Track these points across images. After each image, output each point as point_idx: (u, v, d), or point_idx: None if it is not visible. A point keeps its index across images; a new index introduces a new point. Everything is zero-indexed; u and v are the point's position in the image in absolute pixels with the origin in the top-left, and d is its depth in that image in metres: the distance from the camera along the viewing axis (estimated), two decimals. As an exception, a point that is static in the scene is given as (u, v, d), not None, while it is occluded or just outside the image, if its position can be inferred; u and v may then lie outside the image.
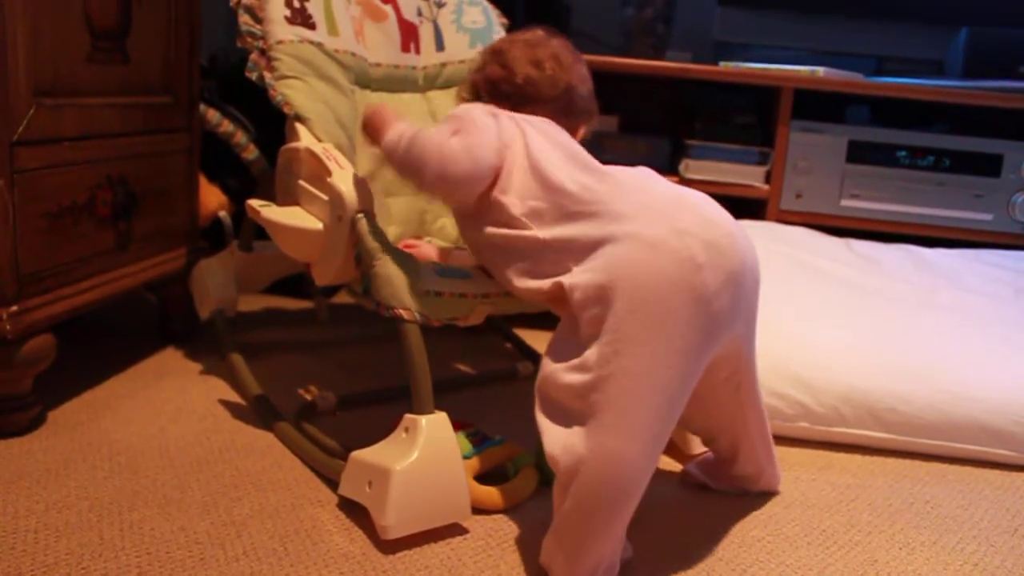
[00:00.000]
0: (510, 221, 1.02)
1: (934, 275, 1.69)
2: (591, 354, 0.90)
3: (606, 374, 0.89)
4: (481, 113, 1.10)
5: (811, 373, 1.33)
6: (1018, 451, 1.29)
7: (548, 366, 0.94)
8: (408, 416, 1.01)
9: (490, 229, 1.05)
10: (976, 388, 1.31)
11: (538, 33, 1.22)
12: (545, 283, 0.98)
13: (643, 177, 1.02)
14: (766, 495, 1.17)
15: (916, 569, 1.01)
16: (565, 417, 0.92)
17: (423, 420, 1.00)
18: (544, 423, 0.94)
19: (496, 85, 1.18)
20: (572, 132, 1.17)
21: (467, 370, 1.60)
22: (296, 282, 1.81)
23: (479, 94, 1.21)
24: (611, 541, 0.91)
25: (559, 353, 0.94)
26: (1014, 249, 1.84)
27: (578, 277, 0.93)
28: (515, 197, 1.03)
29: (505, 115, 1.11)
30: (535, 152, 1.05)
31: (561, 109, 1.18)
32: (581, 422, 0.90)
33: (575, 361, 0.91)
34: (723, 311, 0.92)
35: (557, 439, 0.91)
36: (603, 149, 2.00)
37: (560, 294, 0.95)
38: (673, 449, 1.25)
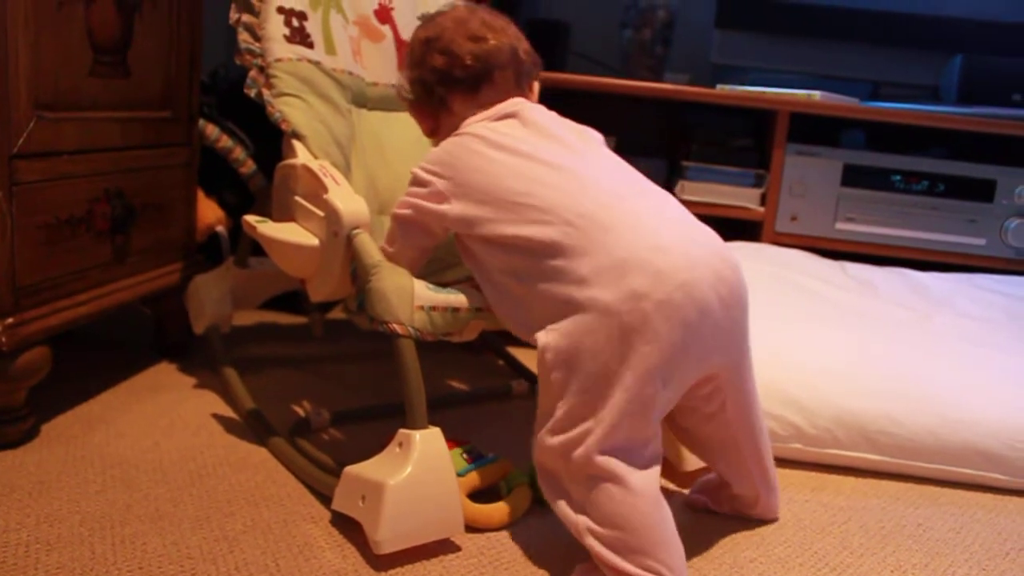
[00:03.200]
0: (498, 269, 1.05)
1: (928, 299, 1.69)
2: (561, 414, 0.95)
3: (579, 433, 0.93)
4: (414, 204, 1.10)
5: (805, 395, 1.33)
6: (1011, 475, 1.29)
7: (534, 437, 0.98)
8: (402, 431, 1.01)
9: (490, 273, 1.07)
10: (969, 412, 1.31)
11: (457, 8, 1.22)
12: (530, 335, 1.01)
13: (603, 210, 0.98)
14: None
15: (908, 592, 1.01)
16: (559, 488, 0.97)
17: (417, 435, 1.00)
18: (550, 502, 0.99)
19: (447, 74, 1.16)
20: (527, 92, 1.20)
21: (461, 388, 1.60)
22: (291, 298, 1.81)
23: (429, 89, 1.18)
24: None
25: (540, 421, 0.98)
26: (1007, 274, 1.85)
27: (548, 337, 0.96)
28: (491, 253, 1.05)
29: (448, 171, 1.09)
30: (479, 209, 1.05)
31: (513, 75, 1.19)
32: (570, 488, 0.95)
33: (550, 424, 0.96)
34: (686, 357, 0.94)
35: (564, 514, 0.96)
36: (600, 169, 2.01)
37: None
38: (667, 467, 1.25)
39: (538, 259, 0.98)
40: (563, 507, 0.96)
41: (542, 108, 1.17)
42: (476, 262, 1.08)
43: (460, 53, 1.16)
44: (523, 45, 1.21)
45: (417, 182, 1.11)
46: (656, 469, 0.96)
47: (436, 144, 1.17)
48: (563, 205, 0.99)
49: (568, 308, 0.95)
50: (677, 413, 1.08)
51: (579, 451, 0.93)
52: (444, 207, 1.07)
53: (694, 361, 0.96)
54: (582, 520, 0.94)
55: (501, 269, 1.04)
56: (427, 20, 1.24)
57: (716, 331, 0.96)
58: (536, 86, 1.24)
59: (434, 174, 1.09)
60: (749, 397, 1.07)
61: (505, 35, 1.19)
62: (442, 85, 1.18)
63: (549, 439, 0.95)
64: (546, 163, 1.05)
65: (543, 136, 1.09)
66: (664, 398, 0.95)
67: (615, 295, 0.92)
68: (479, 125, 1.12)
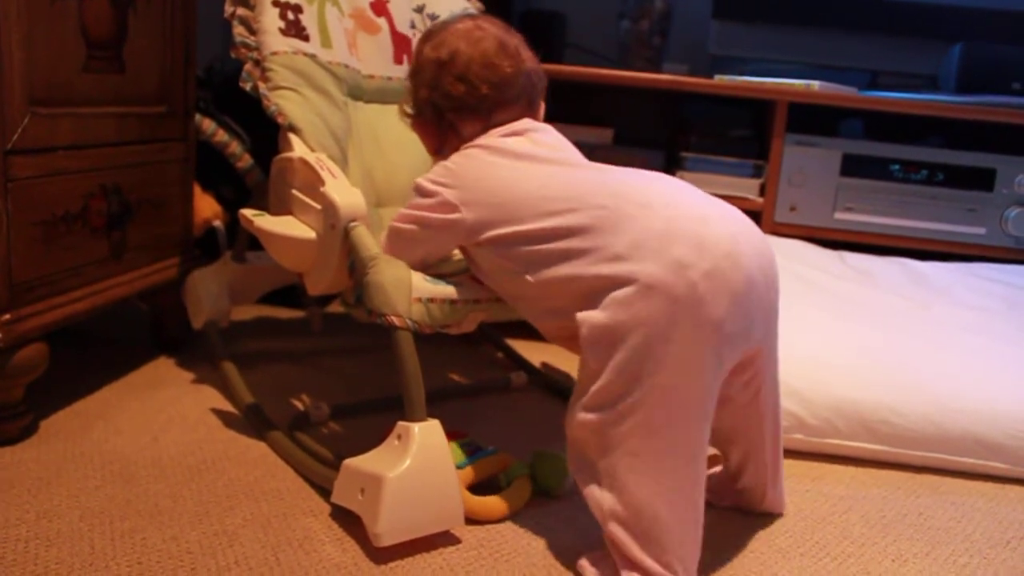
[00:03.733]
0: (508, 271, 1.04)
1: (927, 288, 1.69)
2: (597, 390, 0.92)
3: (617, 410, 0.91)
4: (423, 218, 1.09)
5: (805, 385, 1.33)
6: (1011, 463, 1.29)
7: (568, 411, 0.96)
8: (401, 423, 1.01)
9: (498, 274, 1.06)
10: (969, 401, 1.31)
11: (466, 23, 1.19)
12: (560, 321, 0.99)
13: (635, 191, 0.98)
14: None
15: (909, 581, 1.01)
16: (588, 465, 0.95)
17: (416, 427, 0.99)
18: (576, 479, 0.97)
19: (462, 101, 1.14)
20: (535, 112, 1.19)
21: (460, 380, 1.60)
22: (289, 292, 1.80)
23: (440, 113, 1.16)
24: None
25: (576, 397, 0.96)
26: (1007, 263, 1.84)
27: (587, 315, 0.93)
28: (502, 254, 1.03)
29: (452, 180, 1.08)
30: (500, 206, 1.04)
31: (526, 100, 1.18)
32: (599, 466, 0.93)
33: (585, 399, 0.94)
34: (734, 331, 0.91)
35: (590, 493, 0.94)
36: (597, 161, 2.01)
37: (574, 328, 0.95)
38: None
39: (564, 245, 0.96)
40: (589, 486, 0.94)
41: (550, 128, 1.16)
42: (488, 270, 1.07)
43: (477, 82, 1.14)
44: (534, 66, 1.19)
45: (422, 193, 1.09)
46: (700, 464, 0.93)
47: (437, 162, 1.16)
48: (589, 191, 0.98)
49: (604, 285, 0.92)
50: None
51: (616, 430, 0.91)
52: (455, 216, 1.05)
53: (742, 333, 0.93)
54: (607, 502, 0.92)
55: (515, 270, 1.02)
56: (435, 35, 1.19)
57: (760, 304, 0.94)
58: (543, 104, 1.23)
59: (441, 184, 1.08)
60: (775, 382, 1.06)
61: (520, 59, 1.17)
62: (455, 112, 1.15)
63: (583, 414, 0.93)
64: (560, 163, 1.05)
65: (552, 149, 1.09)
66: (714, 374, 0.92)
67: (658, 267, 0.89)
68: (485, 139, 1.12)
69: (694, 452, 0.92)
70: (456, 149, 1.13)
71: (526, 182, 1.03)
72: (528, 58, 1.19)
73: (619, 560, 0.92)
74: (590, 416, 0.93)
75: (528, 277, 1.00)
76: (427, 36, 1.21)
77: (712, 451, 1.17)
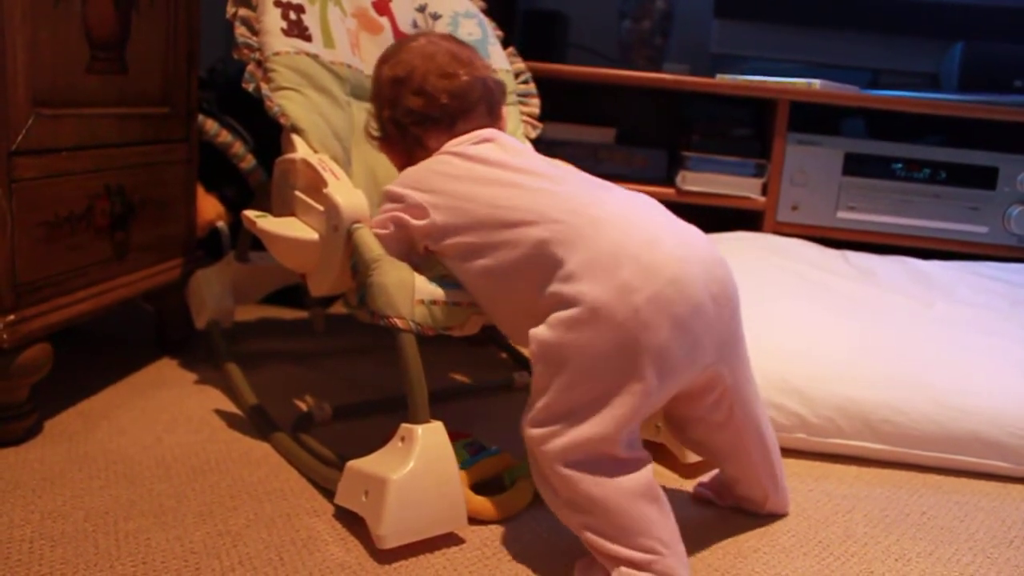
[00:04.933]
0: (472, 278, 1.05)
1: (930, 287, 1.69)
2: (541, 406, 0.94)
3: (560, 427, 0.92)
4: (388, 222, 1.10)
5: (807, 385, 1.33)
6: (1014, 463, 1.29)
7: (521, 421, 0.97)
8: (404, 425, 1.01)
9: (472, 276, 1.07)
10: (972, 400, 1.31)
11: (418, 40, 1.22)
12: (522, 330, 0.99)
13: (591, 207, 0.97)
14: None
15: (912, 580, 1.01)
16: (543, 477, 0.95)
17: (419, 429, 1.00)
18: (539, 490, 0.98)
19: (423, 115, 1.17)
20: (498, 121, 1.22)
21: (463, 381, 1.60)
22: (293, 293, 1.81)
23: (404, 129, 1.19)
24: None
25: (526, 410, 0.97)
26: (1009, 261, 1.85)
27: (538, 330, 0.94)
28: (464, 262, 1.04)
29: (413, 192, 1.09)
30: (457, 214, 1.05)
31: (486, 108, 1.20)
32: (555, 481, 0.93)
33: (531, 414, 0.95)
34: (678, 355, 0.91)
35: (552, 503, 0.96)
36: (599, 161, 2.01)
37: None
38: (670, 459, 1.25)
39: (525, 258, 0.97)
40: (549, 496, 0.96)
41: (515, 139, 1.19)
42: (458, 273, 1.08)
43: (435, 93, 1.17)
44: (490, 74, 1.23)
45: (391, 198, 1.11)
46: (641, 465, 0.93)
47: None
48: (548, 205, 0.98)
49: (553, 303, 0.93)
50: (687, 425, 1.07)
51: (555, 444, 0.92)
52: (424, 222, 1.07)
53: (686, 359, 0.93)
54: (573, 512, 0.93)
55: (482, 275, 1.03)
56: (390, 55, 1.23)
57: (708, 330, 0.93)
58: (506, 112, 1.25)
59: (410, 187, 1.10)
60: (752, 400, 1.05)
61: (474, 68, 1.20)
62: (418, 126, 1.18)
63: (530, 429, 0.95)
64: (527, 171, 1.05)
65: (520, 156, 1.11)
66: (655, 396, 0.93)
67: (604, 289, 0.89)
68: (453, 146, 1.13)
69: (637, 454, 0.93)
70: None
71: (490, 190, 1.04)
72: (482, 66, 1.22)
73: (604, 561, 0.92)
74: (537, 431, 0.94)
75: (496, 287, 1.02)
76: (384, 58, 1.24)
77: (696, 458, 1.18)
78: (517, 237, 0.98)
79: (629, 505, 0.91)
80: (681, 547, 0.93)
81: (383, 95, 1.21)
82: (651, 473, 0.94)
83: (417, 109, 1.17)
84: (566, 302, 0.91)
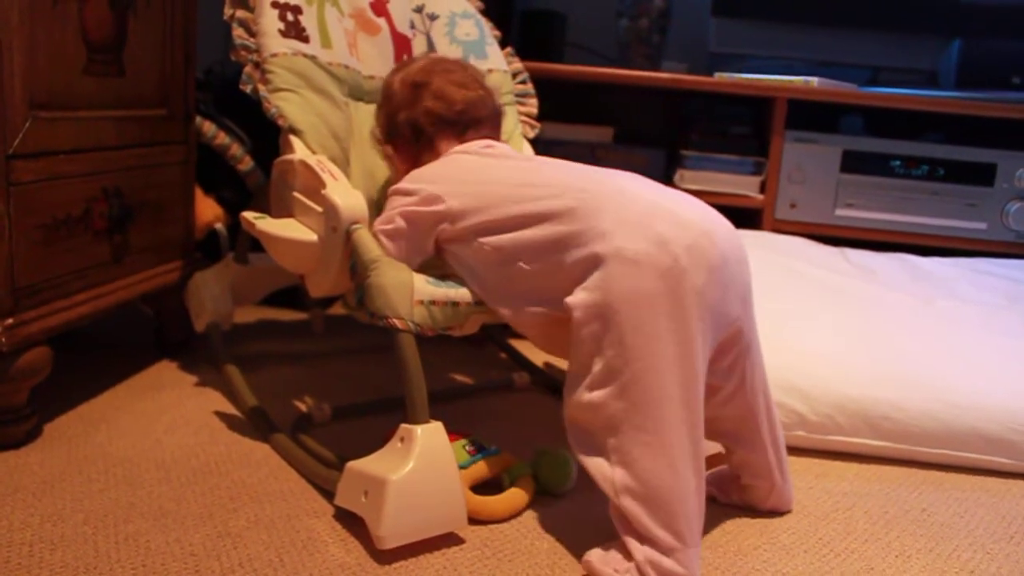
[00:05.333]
0: (493, 262, 1.07)
1: (929, 284, 1.69)
2: (598, 369, 0.95)
3: (618, 386, 0.94)
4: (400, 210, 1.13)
5: (807, 382, 1.33)
6: (1014, 458, 1.29)
7: (567, 396, 0.99)
8: (404, 426, 1.01)
9: (480, 268, 1.09)
10: (971, 396, 1.31)
11: (431, 57, 1.36)
12: (542, 308, 1.02)
13: (610, 180, 1.04)
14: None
15: (912, 577, 1.01)
16: (594, 444, 0.97)
17: (418, 430, 1.00)
18: (583, 459, 0.98)
19: (440, 116, 1.25)
20: (498, 135, 1.32)
21: (463, 381, 1.60)
22: (292, 294, 1.81)
23: (419, 130, 1.26)
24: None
25: (572, 380, 0.98)
26: (1008, 258, 1.85)
27: (577, 296, 0.96)
28: (486, 243, 1.07)
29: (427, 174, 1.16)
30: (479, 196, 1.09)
31: (491, 125, 1.30)
32: (607, 443, 0.95)
33: (586, 380, 0.96)
34: (714, 301, 0.96)
35: (598, 470, 0.96)
36: (598, 160, 2.01)
37: (558, 316, 0.99)
38: None
39: (550, 228, 1.00)
40: (598, 464, 0.96)
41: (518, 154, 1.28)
42: (471, 265, 1.09)
43: (453, 99, 1.26)
44: (495, 96, 1.33)
45: (401, 194, 1.14)
46: (699, 431, 0.95)
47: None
48: (567, 182, 1.04)
49: (593, 263, 0.96)
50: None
51: (620, 404, 0.93)
52: (440, 207, 1.10)
53: (720, 306, 0.97)
54: (619, 476, 0.93)
55: (500, 259, 1.04)
56: (403, 68, 1.32)
57: (734, 281, 0.99)
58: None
59: (422, 182, 1.14)
60: (761, 373, 1.08)
61: (485, 88, 1.31)
62: (434, 126, 1.26)
63: (587, 395, 0.96)
64: (538, 160, 1.12)
65: (526, 158, 1.20)
66: (703, 340, 0.95)
67: (643, 242, 0.94)
68: (462, 149, 1.21)
69: (693, 420, 0.95)
70: None
71: (507, 173, 1.11)
72: (490, 88, 1.33)
73: (630, 534, 0.93)
74: (595, 395, 0.95)
75: (518, 264, 1.03)
76: (395, 71, 1.34)
77: (716, 449, 1.17)
78: (541, 209, 1.02)
79: (675, 483, 0.92)
80: (700, 534, 0.95)
81: (398, 99, 1.28)
82: (703, 448, 0.96)
83: (436, 110, 1.25)
84: (607, 260, 0.94)
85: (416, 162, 1.25)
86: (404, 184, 1.15)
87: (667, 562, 0.91)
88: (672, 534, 0.91)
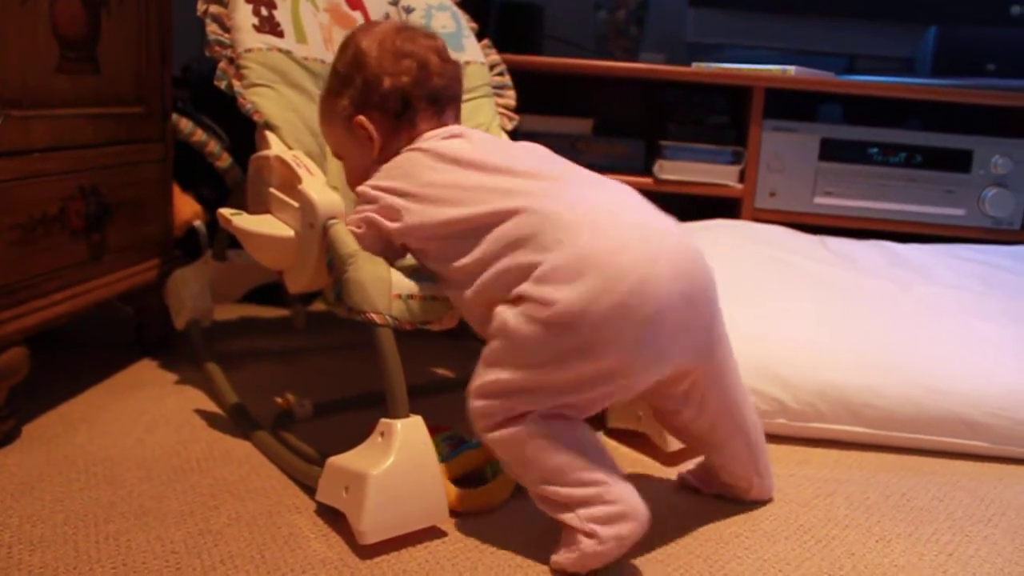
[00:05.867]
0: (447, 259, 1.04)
1: (908, 270, 1.70)
2: (492, 380, 0.96)
3: (503, 403, 0.95)
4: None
5: (788, 370, 1.33)
6: (992, 442, 1.30)
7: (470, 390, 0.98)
8: (383, 420, 1.01)
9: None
10: (951, 381, 1.32)
11: (399, 23, 1.21)
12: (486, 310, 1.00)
13: (566, 205, 0.96)
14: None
15: (892, 560, 1.02)
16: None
17: (398, 424, 0.99)
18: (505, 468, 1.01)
19: (429, 91, 1.15)
20: (458, 115, 1.21)
21: (443, 375, 1.60)
22: (272, 290, 1.80)
23: (406, 102, 1.14)
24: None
25: (476, 376, 0.98)
26: (985, 243, 1.86)
27: (503, 314, 0.95)
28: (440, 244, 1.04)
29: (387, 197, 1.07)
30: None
31: (457, 106, 1.20)
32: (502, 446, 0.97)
33: (477, 383, 0.97)
34: (641, 361, 0.93)
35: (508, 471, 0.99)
36: (578, 152, 2.01)
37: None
38: (651, 446, 1.26)
39: (497, 259, 0.97)
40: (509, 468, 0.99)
41: (484, 133, 1.19)
42: (434, 269, 1.07)
43: (441, 71, 1.16)
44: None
45: (365, 199, 1.10)
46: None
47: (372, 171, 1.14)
48: (520, 206, 0.97)
49: (526, 300, 0.93)
50: (664, 413, 1.08)
51: (515, 421, 0.94)
52: (398, 224, 1.05)
53: (650, 364, 0.94)
54: (529, 476, 0.96)
55: (455, 273, 1.02)
56: (370, 28, 1.19)
57: (677, 330, 0.93)
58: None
59: (383, 190, 1.08)
60: (731, 391, 1.05)
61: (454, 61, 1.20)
62: (421, 101, 1.14)
63: (474, 401, 0.97)
64: (499, 170, 1.03)
65: (492, 152, 1.07)
66: (605, 398, 0.96)
67: (571, 295, 0.90)
68: (427, 142, 1.11)
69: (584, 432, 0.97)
70: (395, 152, 1.13)
71: (461, 192, 1.02)
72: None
73: (560, 511, 0.94)
74: (487, 403, 0.96)
75: (460, 284, 1.01)
76: (360, 32, 1.19)
77: (677, 446, 1.19)
78: (489, 239, 0.98)
79: (572, 444, 0.94)
80: (619, 473, 0.95)
81: (378, 63, 1.14)
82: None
83: (424, 82, 1.14)
84: (536, 302, 0.92)
85: (391, 139, 1.15)
86: (368, 189, 1.09)
87: (598, 510, 0.92)
88: (586, 484, 0.92)
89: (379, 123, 1.15)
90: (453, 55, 1.21)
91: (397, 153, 1.12)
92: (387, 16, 1.50)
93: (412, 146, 1.12)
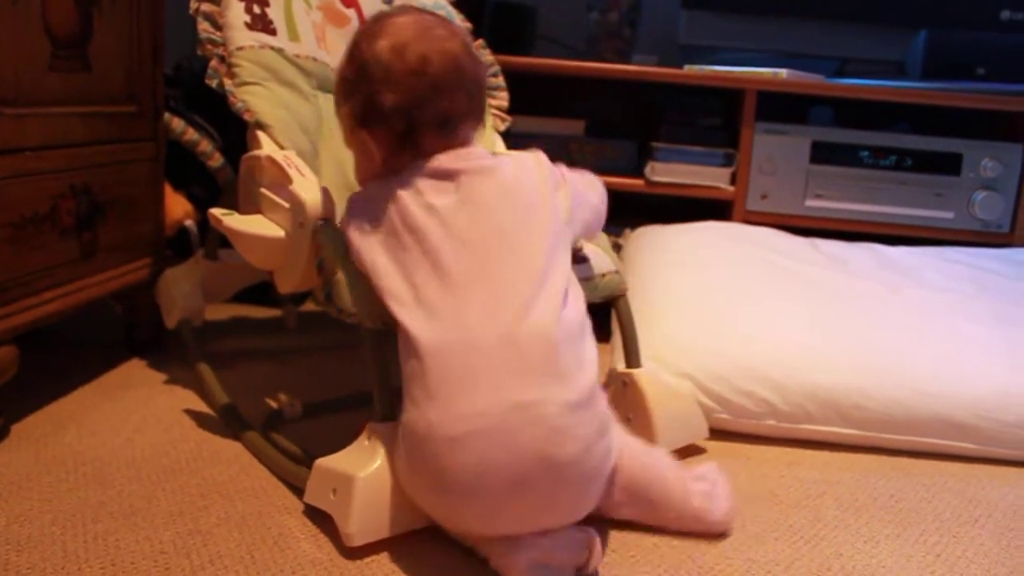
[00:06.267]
0: None
1: (898, 273, 1.71)
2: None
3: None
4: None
5: (777, 371, 1.34)
6: (980, 444, 1.31)
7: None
8: (370, 423, 1.01)
9: None
10: (940, 383, 1.33)
11: (422, 22, 1.06)
12: None
13: (461, 358, 0.92)
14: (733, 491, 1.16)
15: (880, 561, 1.02)
16: None
17: (385, 427, 0.99)
18: None
19: (437, 114, 1.05)
20: (479, 124, 1.10)
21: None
22: (263, 290, 1.80)
23: (411, 124, 1.04)
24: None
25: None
26: (975, 246, 1.87)
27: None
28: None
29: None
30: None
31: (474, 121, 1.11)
32: None
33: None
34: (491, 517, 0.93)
35: None
36: (569, 153, 2.01)
37: None
38: None
39: (403, 358, 0.96)
40: None
41: (492, 177, 1.03)
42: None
43: (449, 86, 1.05)
44: (483, 66, 1.15)
45: (349, 205, 1.08)
46: None
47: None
48: (431, 332, 0.93)
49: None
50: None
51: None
52: (354, 255, 1.04)
53: (512, 522, 0.93)
54: None
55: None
56: (384, 27, 1.07)
57: (534, 507, 0.91)
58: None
59: (353, 227, 1.04)
60: (643, 472, 1.05)
61: (479, 60, 1.11)
62: (428, 125, 1.05)
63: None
64: (443, 270, 0.96)
65: (468, 225, 0.98)
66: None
67: (411, 476, 0.95)
68: (419, 178, 1.03)
69: None
70: (399, 167, 1.06)
71: (405, 259, 0.99)
72: (480, 58, 1.11)
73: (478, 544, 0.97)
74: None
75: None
76: (373, 33, 1.07)
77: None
78: (400, 345, 0.98)
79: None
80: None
81: (384, 74, 1.04)
82: None
83: (447, 110, 1.05)
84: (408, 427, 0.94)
85: (394, 155, 1.07)
86: (347, 215, 1.07)
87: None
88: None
89: (382, 140, 1.07)
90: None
91: (401, 167, 1.05)
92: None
93: (407, 174, 1.04)
